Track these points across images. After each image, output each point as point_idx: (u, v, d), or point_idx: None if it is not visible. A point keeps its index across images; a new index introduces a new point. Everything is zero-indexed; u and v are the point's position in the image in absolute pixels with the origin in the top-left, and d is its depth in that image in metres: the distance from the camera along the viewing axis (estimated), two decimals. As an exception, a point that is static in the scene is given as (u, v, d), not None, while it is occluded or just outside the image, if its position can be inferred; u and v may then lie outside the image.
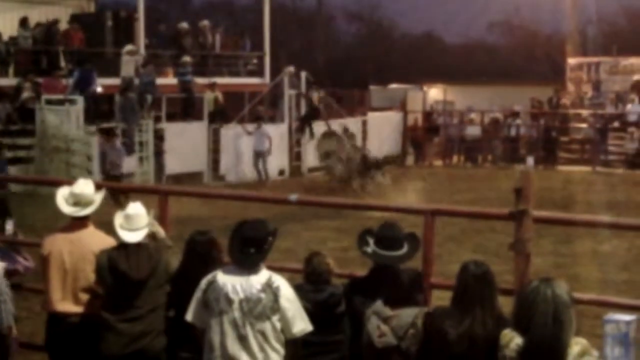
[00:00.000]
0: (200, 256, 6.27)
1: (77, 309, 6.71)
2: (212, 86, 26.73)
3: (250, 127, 26.07)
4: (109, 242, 6.68)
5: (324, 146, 25.86)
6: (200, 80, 27.01)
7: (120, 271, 6.38)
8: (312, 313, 5.87)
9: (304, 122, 28.02)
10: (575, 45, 36.93)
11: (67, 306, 6.70)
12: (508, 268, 6.63)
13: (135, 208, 6.62)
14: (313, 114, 28.07)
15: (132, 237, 6.47)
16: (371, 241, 6.26)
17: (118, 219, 6.57)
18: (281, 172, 26.99)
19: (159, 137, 24.39)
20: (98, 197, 6.92)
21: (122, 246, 6.48)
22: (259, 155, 25.53)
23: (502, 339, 4.87)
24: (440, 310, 5.49)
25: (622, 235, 14.70)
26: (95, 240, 6.76)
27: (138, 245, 6.48)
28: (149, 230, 6.65)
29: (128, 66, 24.38)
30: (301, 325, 5.77)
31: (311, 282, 6.28)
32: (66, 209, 6.84)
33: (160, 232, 6.84)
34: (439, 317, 5.34)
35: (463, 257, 6.46)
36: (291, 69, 28.26)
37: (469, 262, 5.45)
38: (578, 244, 14.61)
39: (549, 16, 48.43)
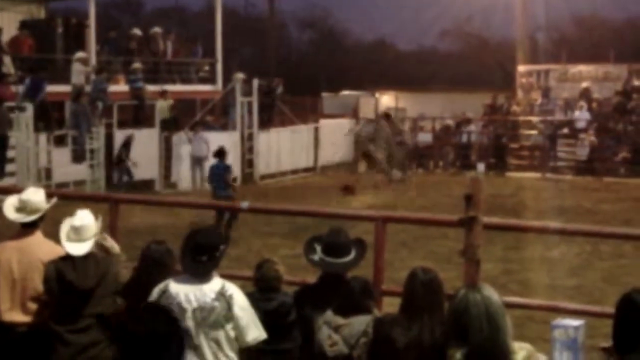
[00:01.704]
0: (155, 266, 6.21)
1: (26, 318, 6.61)
2: (163, 94, 26.60)
3: (190, 133, 25.96)
4: (58, 251, 6.59)
5: (364, 131, 25.75)
6: (152, 88, 26.87)
7: (67, 281, 6.29)
8: (263, 322, 5.87)
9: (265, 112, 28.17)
10: (525, 53, 37.28)
11: (15, 316, 6.60)
12: (459, 274, 6.66)
13: (83, 218, 6.51)
14: (271, 103, 28.28)
15: (79, 249, 6.36)
16: (318, 248, 6.24)
17: (65, 229, 6.47)
18: (233, 180, 26.87)
19: (126, 144, 24.30)
20: (46, 206, 6.85)
21: (70, 256, 6.39)
22: (197, 161, 25.40)
23: (448, 350, 4.87)
24: (389, 318, 5.48)
25: (571, 240, 14.87)
26: (44, 249, 6.68)
27: (86, 255, 6.40)
28: (101, 244, 6.60)
29: (79, 74, 24.20)
30: (255, 333, 5.77)
31: (261, 289, 6.28)
32: (12, 215, 6.77)
33: (115, 247, 6.77)
34: (388, 325, 5.33)
35: (414, 263, 6.49)
36: (240, 75, 28.21)
37: (417, 269, 5.44)
38: (528, 250, 14.74)
39: (500, 24, 48.96)
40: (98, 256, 6.48)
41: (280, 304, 6.18)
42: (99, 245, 6.62)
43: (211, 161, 25.18)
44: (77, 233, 6.41)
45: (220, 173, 17.71)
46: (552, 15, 51.53)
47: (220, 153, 18.19)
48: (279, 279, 6.36)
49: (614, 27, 53.45)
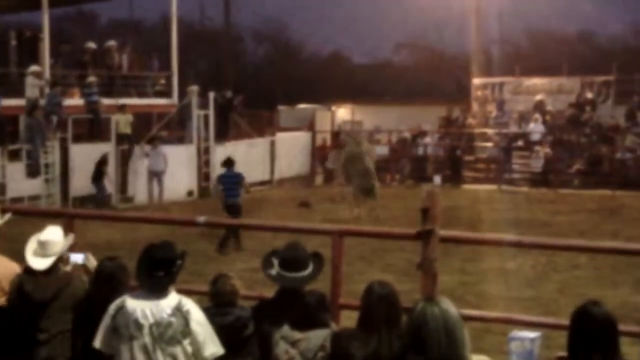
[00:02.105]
0: (109, 282, 6.15)
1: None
2: (122, 108, 26.32)
3: (147, 147, 25.82)
4: (11, 267, 6.55)
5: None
6: (108, 101, 26.67)
7: (25, 292, 6.29)
8: (220, 336, 5.83)
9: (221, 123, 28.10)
10: (480, 66, 37.57)
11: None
12: (417, 287, 6.68)
13: (50, 234, 6.49)
14: (227, 114, 28.22)
15: (41, 264, 6.35)
16: (276, 263, 6.22)
17: (32, 244, 6.45)
18: (190, 193, 26.81)
19: (103, 161, 24.19)
20: (0, 221, 6.78)
21: (33, 269, 6.40)
22: (155, 175, 25.26)
23: None
24: (346, 332, 5.48)
25: (527, 252, 14.97)
26: (-2, 265, 6.62)
27: (49, 269, 6.37)
28: (83, 264, 6.62)
29: (33, 88, 24.00)
30: (213, 348, 5.74)
31: (216, 304, 6.25)
32: None
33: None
34: (346, 339, 5.33)
35: (373, 276, 6.51)
36: (195, 87, 28.16)
37: (374, 283, 5.44)
38: (484, 262, 14.83)
39: (454, 37, 49.34)
40: (60, 271, 6.47)
41: (236, 318, 6.14)
42: (82, 266, 6.63)
43: (170, 174, 25.33)
44: (43, 248, 6.40)
45: (231, 181, 18.18)
46: (506, 29, 52.05)
47: (229, 162, 18.79)
48: (235, 293, 6.32)
49: (566, 40, 54.07)
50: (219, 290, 6.28)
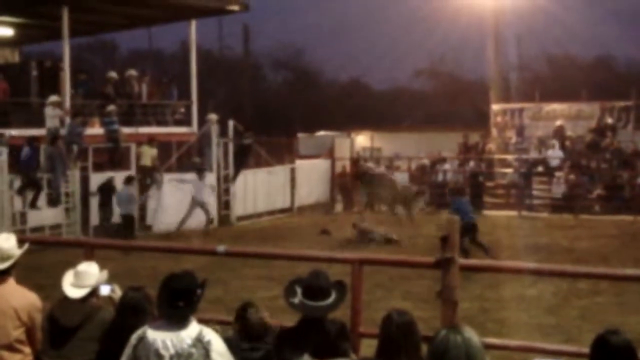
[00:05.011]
0: (133, 312, 6.18)
1: (1, 366, 6.58)
2: (151, 140, 26.37)
3: (187, 175, 25.82)
4: (30, 297, 6.58)
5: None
6: (128, 130, 26.79)
7: (54, 318, 6.42)
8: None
9: (237, 165, 27.97)
10: (499, 92, 37.55)
11: (-11, 364, 6.58)
12: (437, 314, 6.66)
13: (87, 266, 6.70)
14: (243, 152, 28.12)
15: (74, 292, 6.51)
16: (299, 291, 6.22)
17: (69, 275, 6.64)
18: (210, 222, 26.81)
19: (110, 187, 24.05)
20: (18, 252, 6.81)
21: (67, 299, 6.56)
22: (198, 205, 25.11)
23: None
24: (367, 362, 5.49)
25: (548, 278, 14.89)
26: (16, 296, 6.62)
27: (81, 299, 6.54)
28: (109, 296, 6.75)
29: (52, 118, 24.14)
30: (233, 379, 5.74)
31: (245, 338, 6.23)
32: None
33: None
34: (366, 369, 5.34)
35: (392, 304, 6.48)
36: (214, 116, 28.18)
37: (392, 312, 5.44)
38: (505, 289, 14.75)
39: (473, 63, 49.41)
40: (90, 302, 6.60)
41: (265, 353, 6.15)
42: (108, 298, 6.73)
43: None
44: (77, 278, 6.60)
45: (464, 204, 19.23)
46: (525, 55, 52.11)
47: (460, 191, 21.45)
48: (264, 326, 6.34)
49: (585, 65, 54.07)
50: (253, 325, 6.28)
